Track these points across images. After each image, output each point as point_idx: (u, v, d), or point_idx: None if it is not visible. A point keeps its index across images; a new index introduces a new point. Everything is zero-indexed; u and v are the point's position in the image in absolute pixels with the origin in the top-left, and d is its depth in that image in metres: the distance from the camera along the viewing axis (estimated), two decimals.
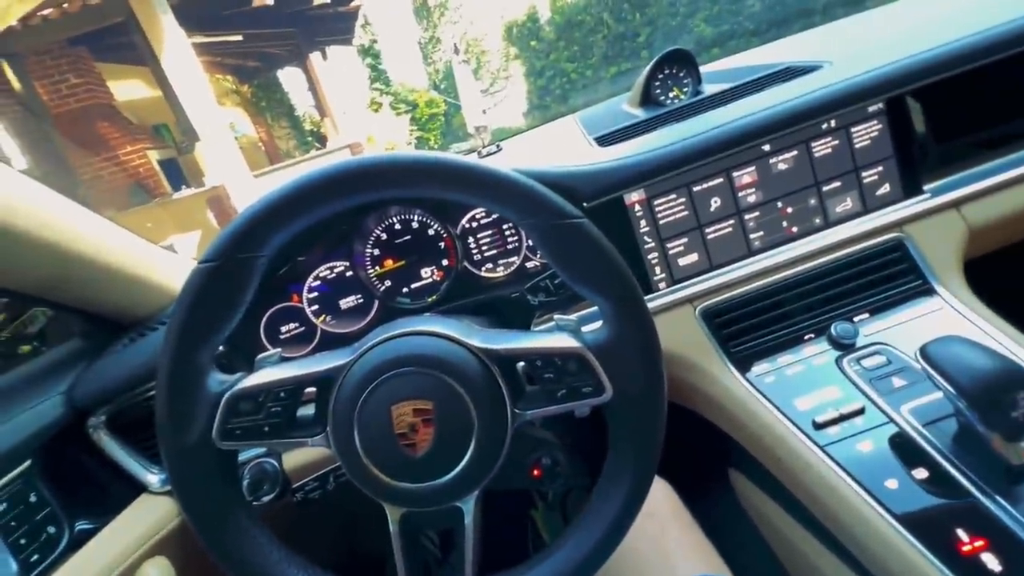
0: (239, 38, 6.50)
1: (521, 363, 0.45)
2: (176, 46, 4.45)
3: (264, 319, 0.72)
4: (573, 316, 0.46)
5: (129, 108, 5.90)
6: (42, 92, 5.08)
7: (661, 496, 0.61)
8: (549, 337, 0.45)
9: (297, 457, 0.70)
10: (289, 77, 9.42)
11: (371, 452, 0.43)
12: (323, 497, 0.62)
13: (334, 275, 0.73)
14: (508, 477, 0.51)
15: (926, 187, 0.70)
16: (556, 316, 0.47)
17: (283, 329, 0.73)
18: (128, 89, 6.10)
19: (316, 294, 0.73)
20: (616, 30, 9.57)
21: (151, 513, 0.66)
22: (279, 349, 0.49)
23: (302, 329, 0.74)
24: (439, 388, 0.43)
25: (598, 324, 0.45)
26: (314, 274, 0.73)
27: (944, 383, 0.47)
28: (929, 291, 0.65)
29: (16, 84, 5.00)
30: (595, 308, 0.45)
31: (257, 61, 8.29)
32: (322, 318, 0.74)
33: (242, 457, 0.65)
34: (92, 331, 0.73)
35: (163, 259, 0.78)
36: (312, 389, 0.46)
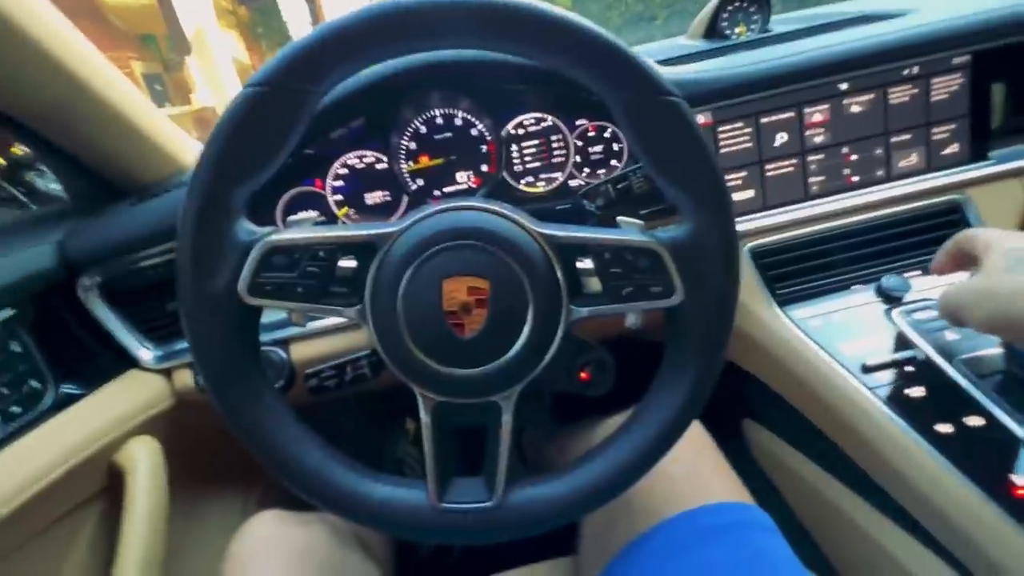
0: None
1: (584, 257, 0.41)
2: None
3: (283, 200, 0.66)
4: (639, 221, 0.42)
5: (116, 12, 5.50)
6: None
7: (693, 424, 0.59)
8: (618, 231, 0.41)
9: (304, 350, 0.65)
10: (290, 5, 8.92)
11: (413, 329, 0.39)
12: (336, 388, 0.58)
13: (363, 165, 0.67)
14: (553, 378, 0.48)
15: (992, 153, 0.67)
16: (620, 219, 0.43)
17: (301, 216, 0.68)
18: None
19: (341, 183, 0.67)
20: (634, 9, 9.37)
21: (141, 390, 0.60)
22: (316, 214, 0.44)
23: (322, 219, 0.68)
24: (498, 268, 0.38)
25: (672, 227, 0.41)
26: (342, 160, 0.67)
27: None
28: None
29: None
30: (661, 228, 0.41)
31: None
32: (344, 210, 0.68)
33: None
34: (85, 191, 0.66)
35: (173, 129, 0.70)
36: (347, 264, 0.41)
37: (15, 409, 0.48)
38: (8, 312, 0.51)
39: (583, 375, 0.48)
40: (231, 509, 0.76)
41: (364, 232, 0.40)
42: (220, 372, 0.40)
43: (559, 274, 0.40)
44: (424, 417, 0.42)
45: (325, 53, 0.38)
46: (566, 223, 0.61)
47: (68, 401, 0.54)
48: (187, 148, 0.71)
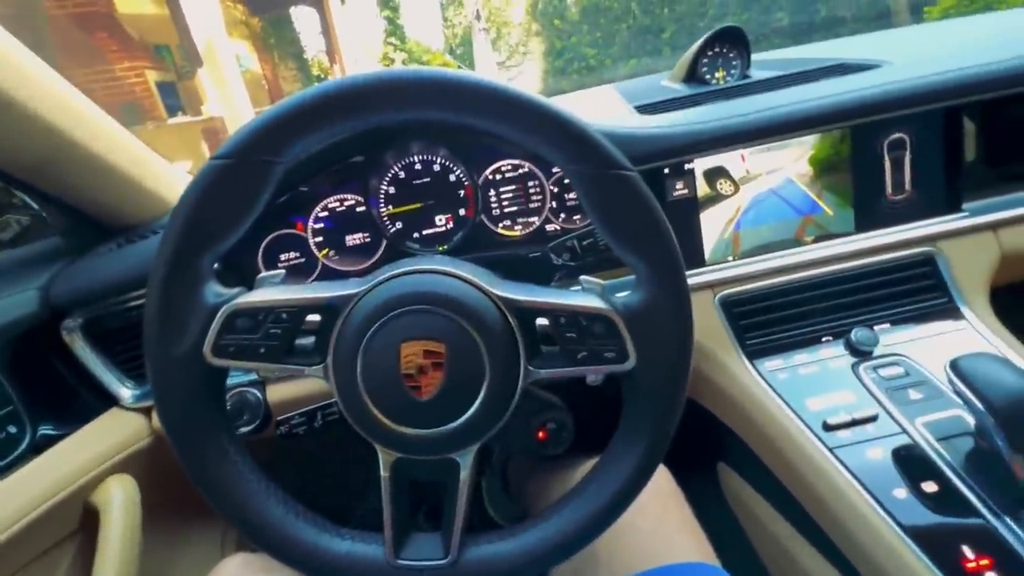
0: None
1: (542, 319, 0.42)
2: None
3: (264, 243, 0.68)
4: (601, 281, 0.43)
5: (131, 23, 5.60)
6: None
7: (662, 478, 0.59)
8: (575, 295, 0.42)
9: (281, 391, 0.66)
10: (303, 16, 9.06)
11: (373, 390, 0.40)
12: (307, 434, 0.59)
13: (343, 208, 0.69)
14: (511, 436, 0.49)
15: (965, 205, 0.68)
16: (582, 278, 0.44)
17: (283, 257, 0.69)
18: (131, 2, 5.79)
19: (322, 225, 0.69)
20: (642, 22, 9.38)
21: (120, 429, 0.62)
22: (282, 270, 0.45)
23: (302, 260, 0.70)
24: (454, 332, 0.39)
25: (627, 293, 0.42)
26: (323, 204, 0.68)
27: (973, 399, 0.45)
28: (954, 310, 0.64)
29: None
30: (624, 279, 0.41)
31: None
32: (325, 252, 0.70)
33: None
34: (74, 231, 0.68)
35: (162, 168, 0.72)
36: (314, 318, 0.42)
37: None
38: None
39: (541, 434, 0.49)
40: (210, 545, 0.77)
41: (326, 294, 0.41)
42: (183, 430, 0.41)
43: (517, 336, 0.41)
44: (383, 472, 0.43)
45: (287, 127, 0.39)
46: (535, 273, 0.62)
47: (45, 443, 0.56)
48: (175, 187, 0.73)
